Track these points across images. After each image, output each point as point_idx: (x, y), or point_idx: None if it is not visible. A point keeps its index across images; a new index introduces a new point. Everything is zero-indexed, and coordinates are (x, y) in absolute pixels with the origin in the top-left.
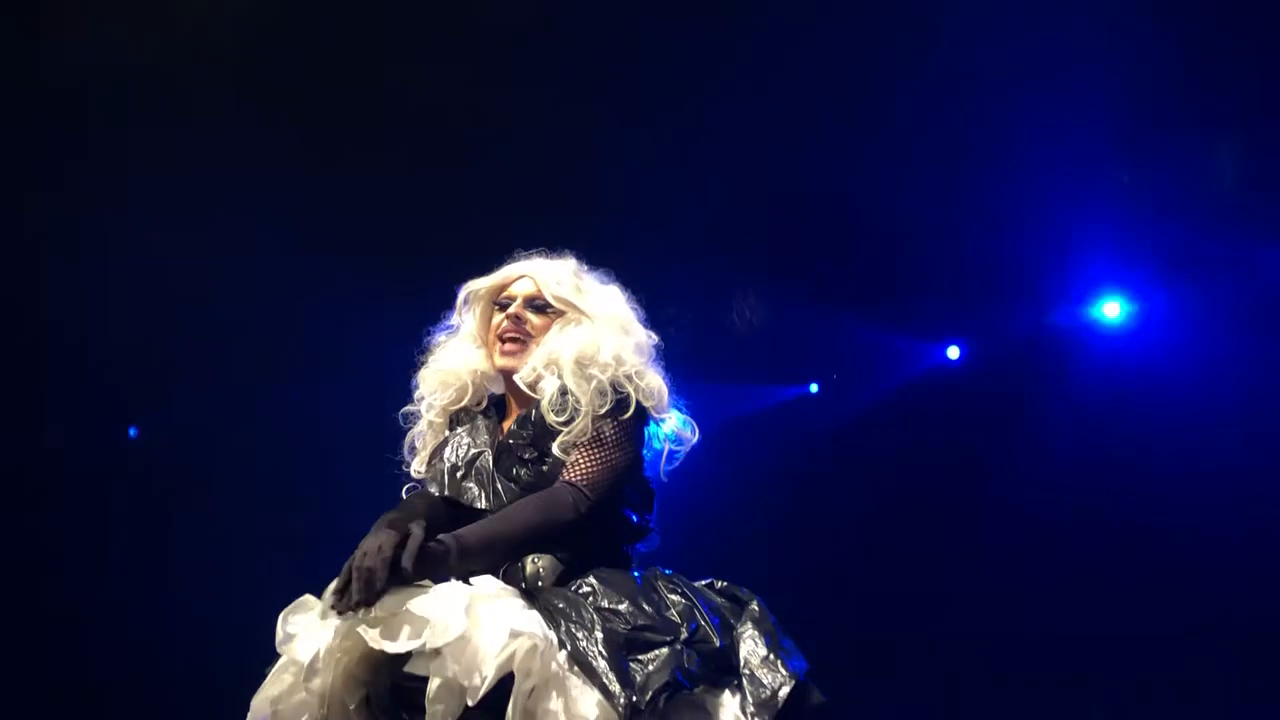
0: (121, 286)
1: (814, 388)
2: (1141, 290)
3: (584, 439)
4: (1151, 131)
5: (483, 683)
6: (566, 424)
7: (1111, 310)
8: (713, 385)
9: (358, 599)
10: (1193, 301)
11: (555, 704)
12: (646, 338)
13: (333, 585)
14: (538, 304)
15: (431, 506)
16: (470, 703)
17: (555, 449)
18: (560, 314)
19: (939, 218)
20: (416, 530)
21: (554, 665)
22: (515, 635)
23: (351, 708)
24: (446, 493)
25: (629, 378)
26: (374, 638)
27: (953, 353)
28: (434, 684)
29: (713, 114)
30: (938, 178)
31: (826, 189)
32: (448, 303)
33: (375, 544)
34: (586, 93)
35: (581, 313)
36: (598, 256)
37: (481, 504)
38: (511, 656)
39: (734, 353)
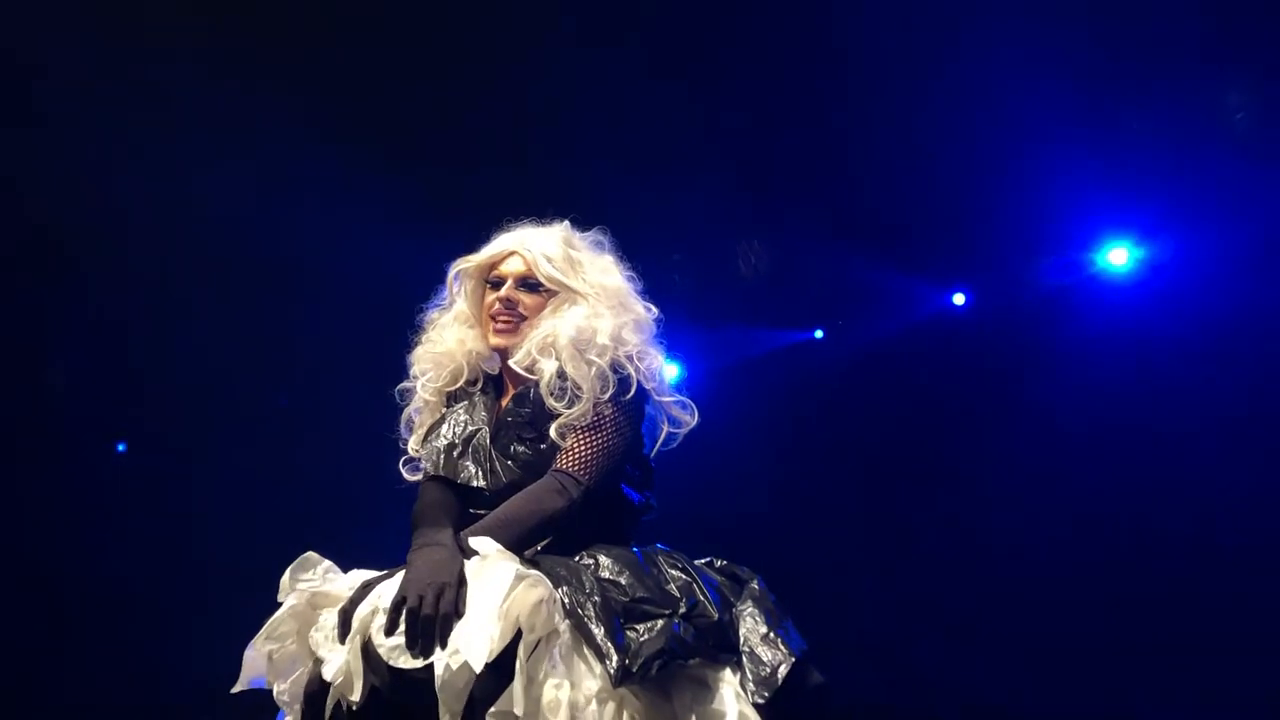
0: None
1: (819, 333)
2: (1149, 236)
3: (582, 423)
4: (1162, 63)
5: (491, 641)
6: (566, 407)
7: (1119, 256)
8: (717, 330)
9: (419, 653)
10: (1206, 245)
11: (559, 672)
12: (644, 311)
13: (368, 617)
14: (529, 283)
15: (449, 512)
16: (477, 669)
17: (552, 432)
18: (553, 293)
19: (947, 163)
20: (463, 574)
21: (557, 618)
22: (521, 577)
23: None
24: (441, 471)
25: (629, 358)
26: (391, 653)
27: (958, 299)
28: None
29: (719, 58)
30: (946, 122)
31: (833, 134)
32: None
33: (434, 592)
34: (591, 29)
35: (575, 292)
36: (601, 203)
37: (478, 482)
38: (519, 615)
39: (739, 298)
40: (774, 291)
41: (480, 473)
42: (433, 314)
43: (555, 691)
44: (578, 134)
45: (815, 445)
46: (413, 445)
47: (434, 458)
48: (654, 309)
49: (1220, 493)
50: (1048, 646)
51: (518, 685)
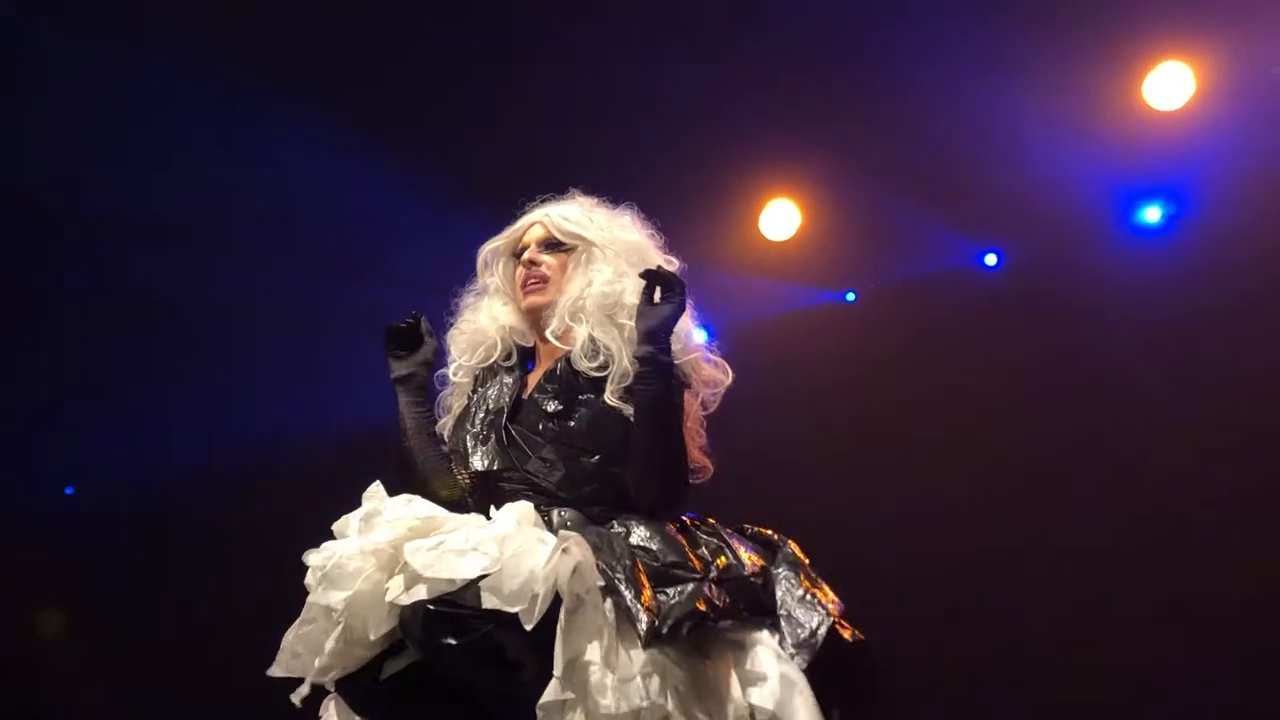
0: None
1: (851, 296)
2: (1181, 191)
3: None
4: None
5: (535, 602)
6: (601, 369)
7: (1153, 214)
8: (742, 288)
9: None
10: (1238, 198)
11: (601, 654)
12: (666, 264)
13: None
14: (550, 243)
15: None
16: (528, 627)
17: (610, 399)
18: (572, 249)
19: (980, 124)
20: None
21: (596, 578)
22: (563, 546)
23: (373, 638)
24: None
25: None
26: (431, 577)
27: (990, 260)
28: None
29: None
30: (983, 86)
31: (875, 94)
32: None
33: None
34: None
35: (591, 243)
36: (627, 161)
37: (481, 465)
38: (558, 577)
39: (769, 256)
40: (808, 251)
41: (501, 455)
42: (467, 298)
43: (600, 674)
44: (599, 80)
45: (841, 414)
46: (446, 434)
47: (459, 449)
48: (675, 260)
49: (1265, 459)
50: (1074, 615)
51: (559, 659)
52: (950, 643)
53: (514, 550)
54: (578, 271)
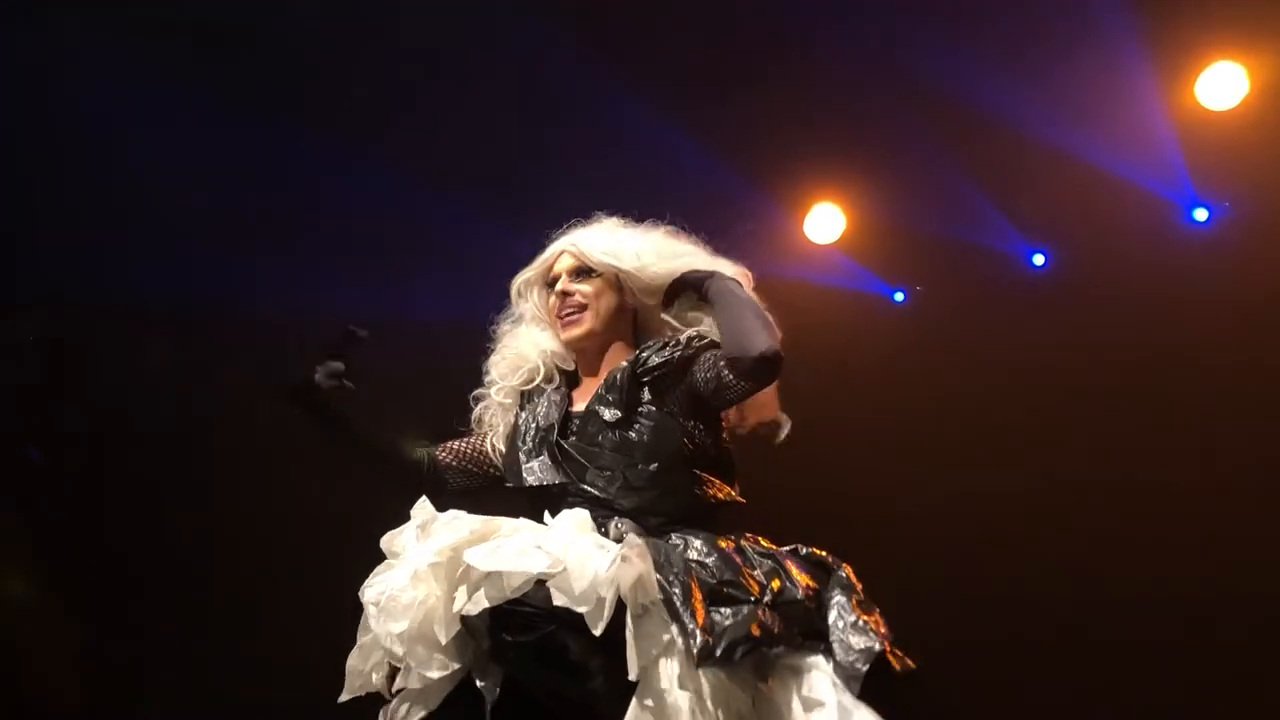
0: None
1: (899, 296)
2: (1221, 191)
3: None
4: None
5: (602, 606)
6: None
7: (1201, 214)
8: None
9: None
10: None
11: (675, 679)
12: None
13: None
14: (582, 271)
15: None
16: (596, 631)
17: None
18: (606, 275)
19: (1031, 125)
20: None
21: (657, 591)
22: (623, 554)
23: (444, 642)
24: (509, 481)
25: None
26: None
27: (1038, 260)
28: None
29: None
30: (1031, 86)
31: (919, 96)
32: None
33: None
34: None
35: (621, 269)
36: (666, 171)
37: (536, 481)
38: (620, 584)
39: (816, 259)
40: (856, 252)
41: (556, 470)
42: (504, 326)
43: (676, 698)
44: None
45: (888, 414)
46: (498, 455)
47: (511, 471)
48: (726, 263)
49: None
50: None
51: (633, 664)
52: (988, 639)
53: (577, 552)
54: (610, 288)
